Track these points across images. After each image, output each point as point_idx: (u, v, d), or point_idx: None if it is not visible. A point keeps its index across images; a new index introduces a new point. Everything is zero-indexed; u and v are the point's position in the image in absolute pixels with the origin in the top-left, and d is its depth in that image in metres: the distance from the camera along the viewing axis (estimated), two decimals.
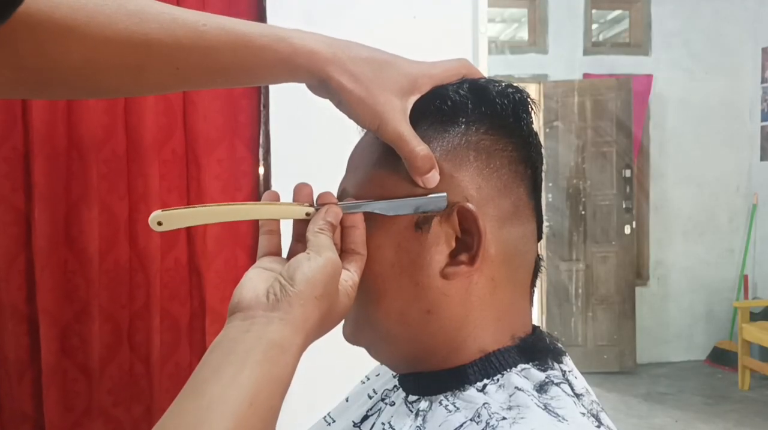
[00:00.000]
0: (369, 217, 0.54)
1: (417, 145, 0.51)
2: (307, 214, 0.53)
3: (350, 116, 0.54)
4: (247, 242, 1.44)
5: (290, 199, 0.54)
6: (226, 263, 1.40)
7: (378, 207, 0.53)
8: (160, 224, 0.51)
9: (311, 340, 0.49)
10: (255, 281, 0.49)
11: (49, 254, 1.30)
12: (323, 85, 0.53)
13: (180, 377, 1.40)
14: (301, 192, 0.55)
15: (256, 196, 1.48)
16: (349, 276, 0.52)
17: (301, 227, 0.54)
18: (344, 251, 0.53)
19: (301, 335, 0.47)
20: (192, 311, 1.42)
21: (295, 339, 0.47)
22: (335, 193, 0.58)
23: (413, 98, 0.54)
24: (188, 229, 1.40)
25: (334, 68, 0.52)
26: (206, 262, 1.38)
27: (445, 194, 0.52)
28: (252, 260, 1.41)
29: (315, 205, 0.54)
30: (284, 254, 0.55)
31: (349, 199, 0.56)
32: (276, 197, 0.55)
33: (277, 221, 0.55)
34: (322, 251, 0.49)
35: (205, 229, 1.40)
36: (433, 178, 0.52)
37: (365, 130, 0.58)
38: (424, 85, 0.55)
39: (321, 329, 0.50)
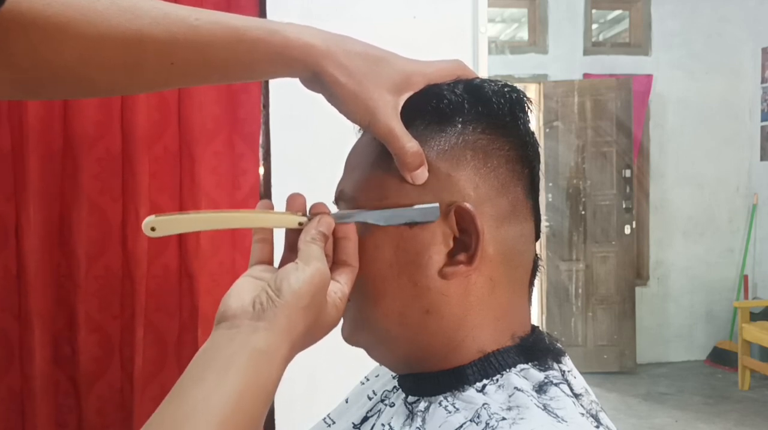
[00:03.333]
0: None
1: (407, 142, 0.51)
2: (300, 223, 0.53)
3: (341, 111, 0.53)
4: (245, 245, 1.38)
5: (284, 209, 0.54)
6: (221, 265, 1.33)
7: (370, 217, 0.53)
8: (153, 229, 0.51)
9: (297, 350, 0.49)
10: (242, 290, 0.49)
11: (41, 256, 1.22)
12: (316, 78, 0.52)
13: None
14: (295, 202, 0.55)
15: (255, 196, 1.45)
16: (339, 288, 0.51)
17: (293, 237, 0.54)
18: (336, 263, 0.53)
19: (286, 344, 0.47)
20: (181, 324, 1.32)
21: (281, 348, 0.47)
22: (333, 194, 0.58)
23: (406, 95, 0.54)
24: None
25: (328, 62, 0.51)
26: (199, 263, 1.30)
27: (437, 205, 0.52)
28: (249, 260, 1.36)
29: (308, 214, 0.54)
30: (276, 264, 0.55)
31: (342, 205, 0.56)
32: (270, 206, 0.55)
33: (271, 230, 0.55)
34: (310, 261, 0.49)
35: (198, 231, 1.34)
36: (422, 175, 0.52)
37: (363, 131, 0.58)
38: (417, 83, 0.54)
39: (307, 339, 0.50)
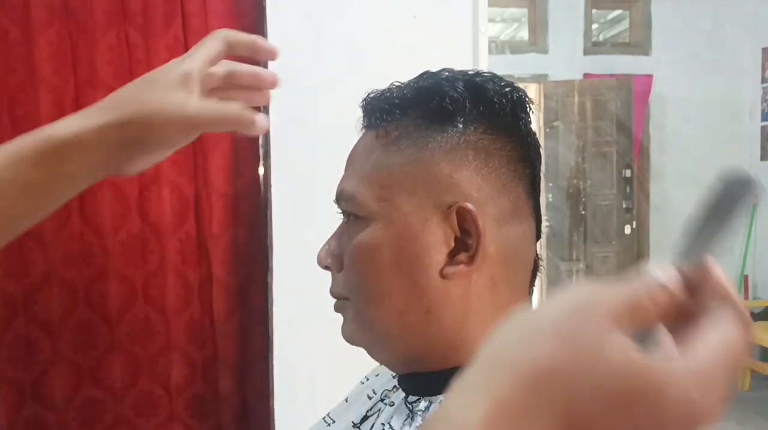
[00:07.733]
0: (368, 217, 0.54)
1: (220, 108, 0.49)
2: None
3: (170, 146, 0.51)
4: (247, 220, 1.57)
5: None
6: (229, 240, 1.57)
7: None
8: None
9: None
10: None
11: (59, 228, 1.48)
12: (131, 145, 0.49)
13: (193, 325, 1.58)
14: None
15: (256, 183, 1.59)
16: None
17: None
18: None
19: None
20: (201, 277, 1.60)
21: None
22: (333, 195, 0.58)
23: (189, 88, 0.50)
24: (196, 209, 1.56)
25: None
26: (213, 241, 1.57)
27: None
28: (253, 236, 1.58)
29: None
30: None
31: (343, 204, 0.55)
32: None
33: None
34: None
35: (211, 213, 1.52)
36: (262, 123, 0.50)
37: (364, 131, 0.58)
38: (193, 71, 0.50)
39: None
